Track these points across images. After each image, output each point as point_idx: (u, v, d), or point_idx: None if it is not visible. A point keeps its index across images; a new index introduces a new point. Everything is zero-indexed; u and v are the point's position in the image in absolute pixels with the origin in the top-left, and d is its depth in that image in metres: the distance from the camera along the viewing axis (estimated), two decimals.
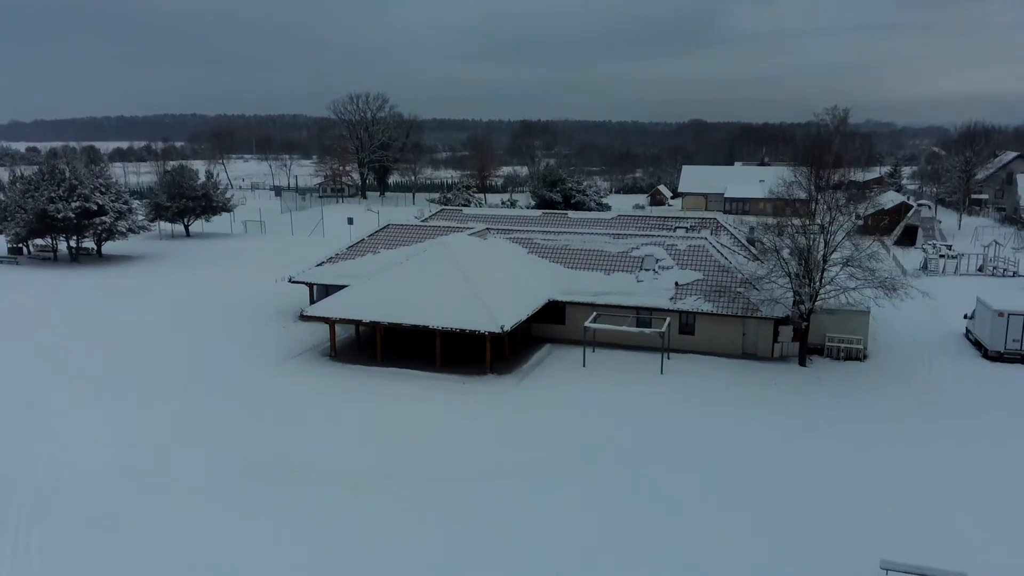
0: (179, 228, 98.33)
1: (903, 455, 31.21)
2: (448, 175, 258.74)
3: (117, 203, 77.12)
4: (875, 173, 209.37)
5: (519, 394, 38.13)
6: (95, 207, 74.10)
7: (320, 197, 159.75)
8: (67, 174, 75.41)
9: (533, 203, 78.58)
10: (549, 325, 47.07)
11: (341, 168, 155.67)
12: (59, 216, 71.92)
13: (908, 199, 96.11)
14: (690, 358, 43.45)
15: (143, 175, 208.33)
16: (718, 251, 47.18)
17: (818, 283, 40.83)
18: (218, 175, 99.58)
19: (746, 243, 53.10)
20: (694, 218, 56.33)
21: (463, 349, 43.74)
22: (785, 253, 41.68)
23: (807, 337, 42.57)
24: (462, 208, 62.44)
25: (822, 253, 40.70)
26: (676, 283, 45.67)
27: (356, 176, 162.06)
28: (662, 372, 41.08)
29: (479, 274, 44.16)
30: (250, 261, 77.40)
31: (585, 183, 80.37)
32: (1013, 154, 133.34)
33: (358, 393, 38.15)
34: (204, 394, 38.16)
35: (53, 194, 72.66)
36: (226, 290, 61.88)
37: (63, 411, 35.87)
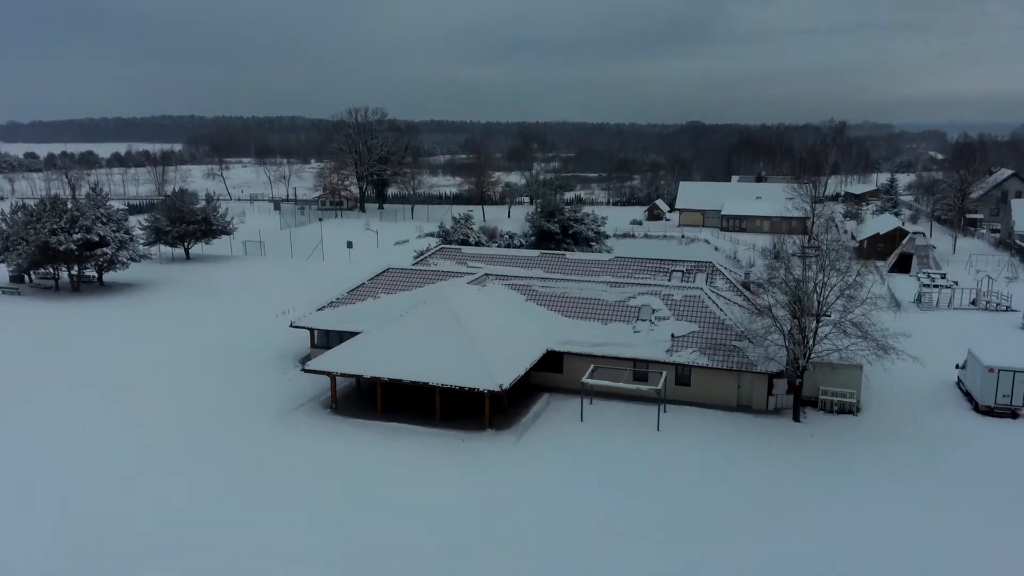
0: (179, 251, 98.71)
1: (900, 519, 31.94)
2: (447, 182, 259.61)
3: (118, 233, 77.60)
4: (871, 184, 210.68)
5: (518, 454, 38.71)
6: (97, 238, 74.65)
7: (319, 210, 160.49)
8: (68, 205, 75.98)
9: (532, 234, 79.13)
10: (547, 373, 47.70)
11: (340, 183, 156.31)
12: (61, 248, 72.51)
13: (903, 223, 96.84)
14: (686, 412, 44.10)
15: (142, 185, 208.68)
16: (714, 302, 47.85)
17: (812, 342, 41.48)
18: (217, 199, 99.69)
19: (741, 288, 53.75)
20: (690, 261, 56.91)
21: (463, 402, 44.33)
22: (779, 311, 42.29)
23: (801, 392, 43.25)
24: (461, 247, 62.97)
25: (815, 312, 41.27)
26: (672, 335, 46.36)
27: (355, 189, 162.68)
28: (658, 429, 41.75)
29: (478, 327, 44.84)
30: (250, 291, 78.02)
31: (582, 211, 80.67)
32: (1008, 172, 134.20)
33: (359, 453, 38.67)
34: (204, 456, 38.59)
35: (55, 226, 73.19)
36: (226, 329, 62.28)
37: (59, 467, 36.48)
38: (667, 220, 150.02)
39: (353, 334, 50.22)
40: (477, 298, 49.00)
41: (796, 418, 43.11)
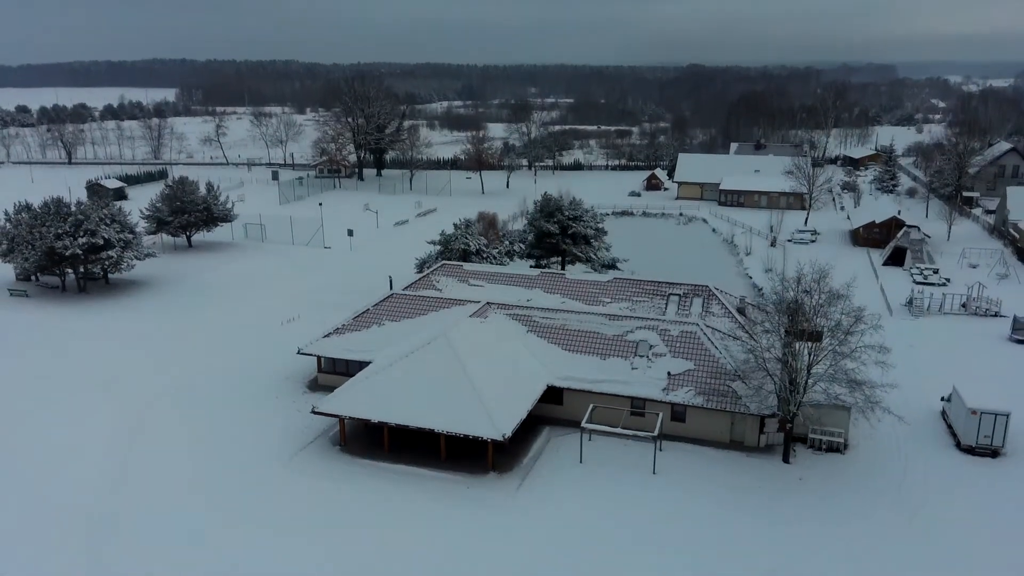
0: (181, 239, 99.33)
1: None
2: (444, 139, 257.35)
3: (122, 233, 78.33)
4: (871, 144, 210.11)
5: (519, 507, 40.57)
6: (101, 241, 75.48)
7: (317, 178, 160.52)
8: (72, 208, 76.64)
9: (530, 231, 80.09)
10: (548, 405, 49.33)
11: (337, 152, 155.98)
12: (67, 253, 73.49)
13: (899, 212, 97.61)
14: (681, 450, 45.95)
15: (137, 145, 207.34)
16: (709, 339, 49.34)
17: (802, 390, 43.10)
18: (218, 188, 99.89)
19: (736, 313, 55.08)
20: (687, 285, 58.11)
21: (467, 442, 45.87)
22: (771, 363, 43.74)
23: (791, 435, 45.09)
24: (462, 264, 64.06)
25: (807, 363, 42.75)
26: (669, 373, 48.01)
27: (352, 158, 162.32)
28: (655, 472, 43.71)
29: (480, 368, 46.38)
30: (254, 290, 79.37)
31: (581, 208, 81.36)
32: (1007, 146, 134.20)
33: (366, 506, 40.48)
34: (214, 502, 40.62)
35: (60, 230, 73.98)
36: (233, 342, 63.57)
37: (56, 507, 38.46)
38: (666, 190, 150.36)
39: (360, 363, 52.02)
40: (479, 334, 50.41)
41: (786, 459, 45.06)
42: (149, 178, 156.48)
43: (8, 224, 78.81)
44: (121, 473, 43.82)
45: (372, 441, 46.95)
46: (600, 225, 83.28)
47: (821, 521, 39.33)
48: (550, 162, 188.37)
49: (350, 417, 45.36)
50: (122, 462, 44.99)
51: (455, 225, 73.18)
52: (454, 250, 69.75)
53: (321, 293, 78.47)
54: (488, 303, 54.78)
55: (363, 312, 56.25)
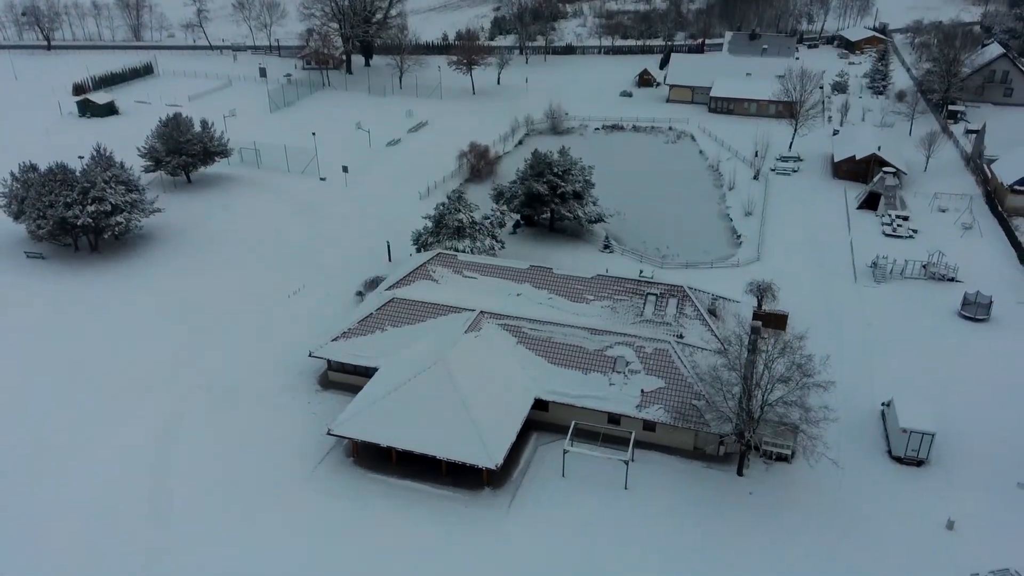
0: (180, 176, 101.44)
1: None
2: (432, 4, 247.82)
3: (129, 195, 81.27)
4: (869, 21, 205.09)
5: (511, 524, 48.01)
6: (109, 207, 78.70)
7: (305, 69, 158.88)
8: (77, 174, 79.26)
9: (520, 192, 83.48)
10: (535, 411, 55.87)
11: (324, 46, 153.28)
12: (78, 223, 77.10)
13: (879, 148, 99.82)
14: (650, 463, 52.86)
15: (117, 26, 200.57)
16: (679, 358, 55.16)
17: (756, 422, 49.56)
18: (212, 125, 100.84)
19: (707, 315, 60.48)
20: (664, 284, 63.04)
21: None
22: (731, 401, 49.82)
23: (746, 453, 52.04)
24: (456, 255, 68.24)
25: (761, 400, 48.90)
26: (642, 390, 54.26)
27: (340, 50, 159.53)
28: (626, 487, 51.00)
29: (475, 394, 52.36)
30: (255, 244, 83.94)
31: (570, 162, 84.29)
32: (999, 51, 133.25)
33: (375, 525, 47.85)
34: (224, 534, 47.25)
35: (69, 199, 77.07)
36: (243, 328, 68.45)
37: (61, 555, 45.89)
38: (657, 86, 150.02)
39: (366, 368, 58.16)
40: (474, 352, 55.95)
41: (740, 472, 52.32)
42: (135, 75, 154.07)
43: (16, 184, 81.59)
44: (149, 481, 50.68)
45: (381, 455, 53.76)
46: (588, 178, 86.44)
47: (770, 537, 47.02)
48: (542, 41, 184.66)
49: (363, 441, 51.93)
50: (149, 471, 51.73)
51: (448, 197, 76.49)
52: (448, 225, 73.56)
53: (321, 251, 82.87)
54: (482, 312, 59.92)
55: (366, 316, 61.39)
